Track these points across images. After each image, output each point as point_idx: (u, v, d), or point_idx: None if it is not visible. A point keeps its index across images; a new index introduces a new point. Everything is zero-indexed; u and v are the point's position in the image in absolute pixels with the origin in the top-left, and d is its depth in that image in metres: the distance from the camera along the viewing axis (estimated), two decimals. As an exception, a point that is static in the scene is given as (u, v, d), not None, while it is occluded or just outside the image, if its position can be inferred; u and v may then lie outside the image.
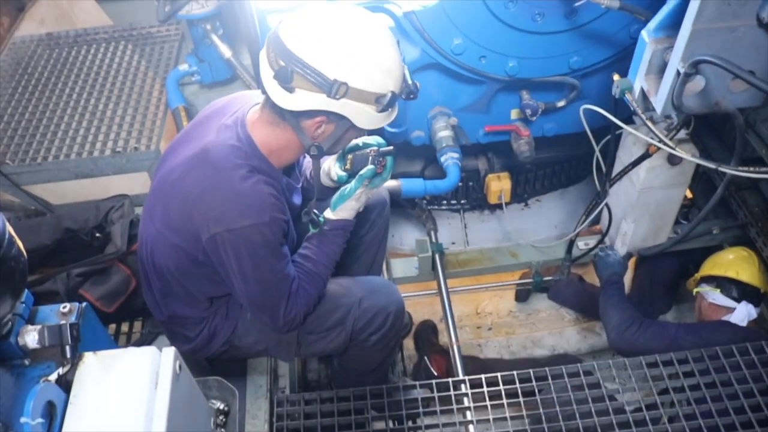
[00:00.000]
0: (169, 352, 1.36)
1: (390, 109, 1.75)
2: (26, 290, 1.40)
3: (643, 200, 2.65)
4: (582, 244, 2.98)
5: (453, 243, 3.35)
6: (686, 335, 2.47)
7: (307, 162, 2.17)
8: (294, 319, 1.92)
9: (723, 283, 2.63)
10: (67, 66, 3.32)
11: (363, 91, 1.64)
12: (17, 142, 2.86)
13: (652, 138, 2.08)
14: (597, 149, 2.47)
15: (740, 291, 2.60)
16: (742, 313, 2.56)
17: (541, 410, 2.16)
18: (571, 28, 2.44)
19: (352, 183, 1.96)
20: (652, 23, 1.94)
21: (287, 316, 1.89)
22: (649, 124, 2.02)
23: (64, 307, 1.47)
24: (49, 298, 2.25)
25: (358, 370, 2.35)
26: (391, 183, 2.76)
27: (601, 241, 2.90)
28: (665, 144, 2.05)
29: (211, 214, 1.70)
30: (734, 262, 2.67)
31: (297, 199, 2.07)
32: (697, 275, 2.75)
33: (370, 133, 1.90)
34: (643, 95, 2.04)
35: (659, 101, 1.93)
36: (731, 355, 2.24)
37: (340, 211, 1.99)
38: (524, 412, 2.17)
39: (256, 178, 1.73)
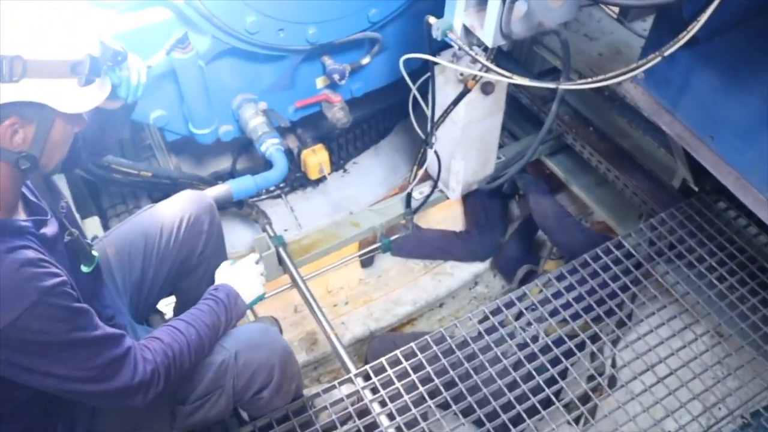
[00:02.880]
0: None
1: (98, 80, 1.44)
2: None
3: (467, 135, 2.68)
4: (417, 194, 2.95)
5: (285, 230, 3.19)
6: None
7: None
8: (151, 381, 1.53)
9: None
10: None
11: (48, 62, 1.31)
12: None
13: (468, 68, 2.06)
14: (414, 88, 2.41)
15: None
16: None
17: (452, 373, 2.12)
18: (362, -19, 2.35)
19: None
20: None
21: (136, 379, 1.49)
22: (480, 57, 1.99)
23: None
24: None
25: None
26: (220, 189, 2.53)
27: (435, 186, 2.90)
28: (494, 72, 2.03)
29: None
30: None
31: (52, 231, 1.53)
32: None
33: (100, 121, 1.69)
34: (466, 31, 2.01)
35: (487, 33, 1.92)
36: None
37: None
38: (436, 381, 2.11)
39: None
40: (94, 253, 1.67)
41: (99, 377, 1.45)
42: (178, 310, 2.37)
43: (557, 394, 2.11)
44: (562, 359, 2.17)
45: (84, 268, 1.63)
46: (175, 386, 1.69)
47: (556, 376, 2.12)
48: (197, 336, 1.69)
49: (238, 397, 1.84)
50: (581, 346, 2.22)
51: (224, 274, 2.00)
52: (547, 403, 2.09)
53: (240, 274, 1.98)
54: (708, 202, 2.56)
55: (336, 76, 2.57)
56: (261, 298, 2.01)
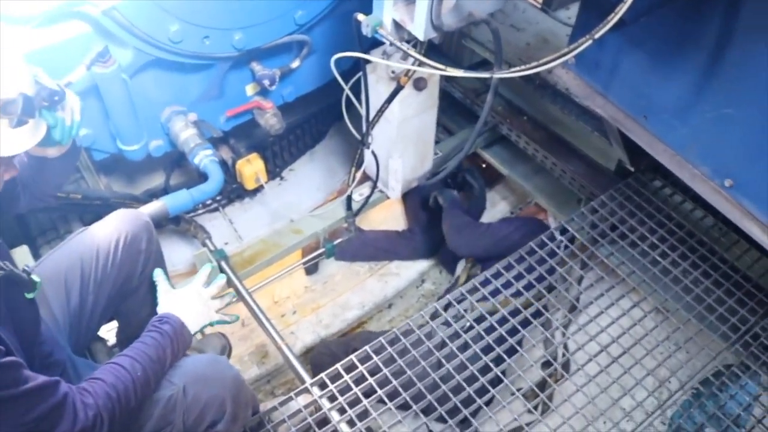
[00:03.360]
0: None
1: (32, 121, 1.37)
2: None
3: (403, 133, 2.66)
4: (357, 196, 2.92)
5: (226, 243, 3.10)
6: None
7: None
8: (93, 427, 1.43)
9: None
10: None
11: None
12: None
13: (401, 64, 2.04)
14: (347, 88, 2.37)
15: None
16: None
17: (409, 372, 2.10)
18: (287, -18, 2.30)
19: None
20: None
21: (77, 427, 1.39)
22: (412, 52, 1.97)
23: None
24: None
25: None
26: (155, 206, 2.43)
27: (374, 186, 2.87)
28: (428, 65, 2.00)
29: None
30: None
31: None
32: None
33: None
34: (396, 26, 1.99)
35: (419, 26, 1.90)
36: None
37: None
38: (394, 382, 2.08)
39: None
40: (34, 278, 1.58)
41: (35, 431, 1.35)
42: (121, 334, 2.28)
43: (515, 382, 2.12)
44: (518, 348, 2.17)
45: (28, 295, 1.55)
46: (121, 426, 1.58)
47: (513, 365, 2.12)
48: (143, 371, 1.59)
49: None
50: (535, 334, 2.23)
51: (168, 303, 1.91)
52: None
53: (184, 302, 1.91)
54: (644, 182, 2.61)
55: (266, 82, 2.51)
56: (210, 324, 1.95)
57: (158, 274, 2.02)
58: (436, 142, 3.03)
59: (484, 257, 2.77)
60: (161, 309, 1.89)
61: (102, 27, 2.09)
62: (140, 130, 2.39)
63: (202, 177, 2.55)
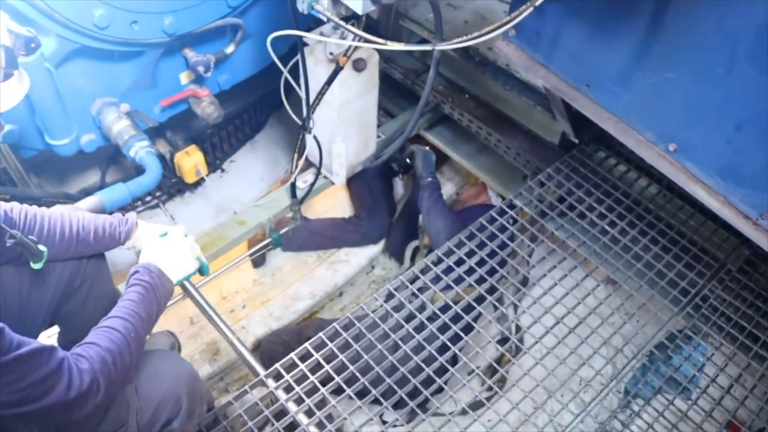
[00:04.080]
0: None
1: (16, 72, 1.39)
2: None
3: (345, 116, 2.62)
4: (301, 183, 2.86)
5: (168, 240, 3.00)
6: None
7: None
8: (89, 391, 1.40)
9: None
10: None
11: None
12: None
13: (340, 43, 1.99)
14: (285, 71, 2.31)
15: None
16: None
17: (366, 357, 2.05)
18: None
19: None
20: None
21: (72, 393, 1.36)
22: (350, 27, 1.92)
23: None
24: None
25: None
26: (90, 201, 2.32)
27: (318, 172, 2.81)
28: (369, 40, 1.95)
29: None
30: None
31: None
32: None
33: None
34: (333, 1, 1.94)
35: (356, 0, 1.84)
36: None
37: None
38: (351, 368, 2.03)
39: None
40: (41, 248, 1.55)
41: (28, 398, 1.31)
42: (62, 339, 2.16)
43: (473, 360, 2.09)
44: (474, 325, 2.15)
45: (34, 266, 1.54)
46: (118, 390, 1.54)
47: (471, 342, 2.10)
48: (135, 331, 1.55)
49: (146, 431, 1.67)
50: (490, 311, 2.21)
51: (152, 250, 1.81)
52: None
53: (171, 250, 1.82)
54: (589, 153, 2.62)
55: (201, 69, 2.42)
56: (190, 275, 1.87)
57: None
58: (379, 126, 2.98)
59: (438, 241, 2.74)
60: (143, 258, 1.79)
61: (21, 14, 1.97)
62: (69, 124, 2.28)
63: (140, 171, 2.45)
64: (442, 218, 2.65)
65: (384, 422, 2.18)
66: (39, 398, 1.32)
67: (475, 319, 2.17)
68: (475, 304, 2.19)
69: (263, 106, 3.29)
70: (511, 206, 2.44)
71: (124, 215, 1.90)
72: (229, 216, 2.92)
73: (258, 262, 3.22)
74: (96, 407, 1.43)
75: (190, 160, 2.87)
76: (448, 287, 2.23)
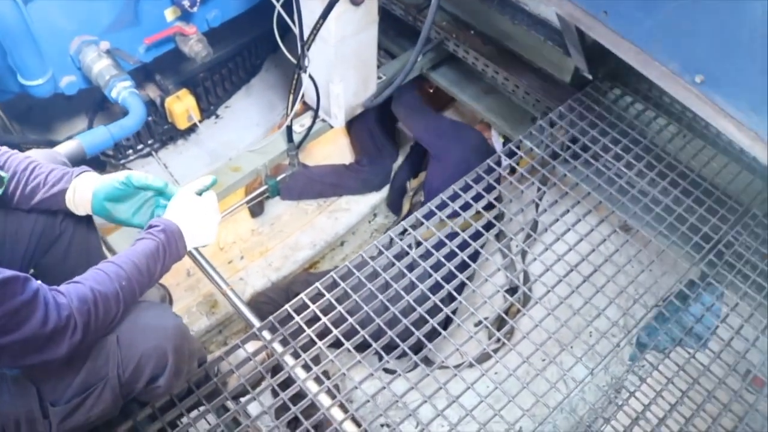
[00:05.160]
0: None
1: None
2: None
3: (342, 54, 2.45)
4: (298, 127, 2.70)
5: (161, 189, 2.88)
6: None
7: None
8: (66, 327, 1.29)
9: None
10: None
11: None
12: None
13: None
14: (278, 5, 2.14)
15: None
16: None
17: (366, 308, 1.93)
18: None
19: None
20: None
21: (48, 326, 1.25)
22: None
23: None
24: None
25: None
26: (69, 145, 2.17)
27: (316, 115, 2.66)
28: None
29: None
30: None
31: None
32: None
33: None
34: None
35: None
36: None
37: None
38: (350, 320, 1.91)
39: None
40: (2, 173, 1.43)
41: (1, 330, 1.20)
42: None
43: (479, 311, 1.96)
44: (483, 274, 2.01)
45: None
46: (97, 335, 1.41)
47: (477, 290, 1.97)
48: (128, 282, 1.42)
49: (128, 389, 1.54)
50: (498, 256, 2.08)
51: (183, 207, 1.62)
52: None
53: (201, 215, 1.63)
54: (603, 90, 2.45)
55: (186, 3, 2.25)
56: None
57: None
58: (379, 66, 2.81)
59: (427, 144, 2.71)
60: (170, 210, 1.62)
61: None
62: (43, 62, 2.11)
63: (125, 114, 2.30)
64: (424, 118, 2.55)
65: (387, 371, 2.07)
66: (13, 330, 1.21)
67: (482, 267, 2.04)
68: (481, 250, 2.05)
69: (258, 48, 3.12)
70: (520, 146, 2.28)
71: None
72: (224, 163, 2.78)
73: (256, 211, 3.10)
74: (72, 347, 1.31)
75: (182, 105, 2.73)
76: (453, 234, 2.09)
